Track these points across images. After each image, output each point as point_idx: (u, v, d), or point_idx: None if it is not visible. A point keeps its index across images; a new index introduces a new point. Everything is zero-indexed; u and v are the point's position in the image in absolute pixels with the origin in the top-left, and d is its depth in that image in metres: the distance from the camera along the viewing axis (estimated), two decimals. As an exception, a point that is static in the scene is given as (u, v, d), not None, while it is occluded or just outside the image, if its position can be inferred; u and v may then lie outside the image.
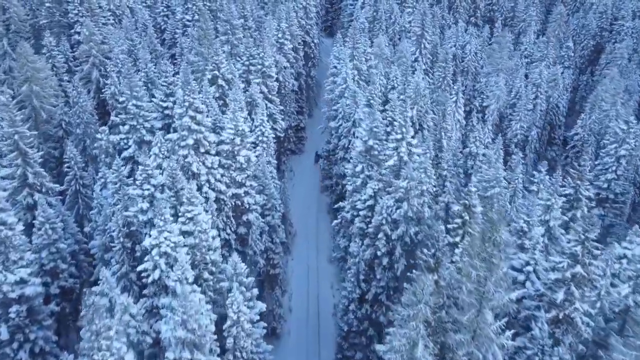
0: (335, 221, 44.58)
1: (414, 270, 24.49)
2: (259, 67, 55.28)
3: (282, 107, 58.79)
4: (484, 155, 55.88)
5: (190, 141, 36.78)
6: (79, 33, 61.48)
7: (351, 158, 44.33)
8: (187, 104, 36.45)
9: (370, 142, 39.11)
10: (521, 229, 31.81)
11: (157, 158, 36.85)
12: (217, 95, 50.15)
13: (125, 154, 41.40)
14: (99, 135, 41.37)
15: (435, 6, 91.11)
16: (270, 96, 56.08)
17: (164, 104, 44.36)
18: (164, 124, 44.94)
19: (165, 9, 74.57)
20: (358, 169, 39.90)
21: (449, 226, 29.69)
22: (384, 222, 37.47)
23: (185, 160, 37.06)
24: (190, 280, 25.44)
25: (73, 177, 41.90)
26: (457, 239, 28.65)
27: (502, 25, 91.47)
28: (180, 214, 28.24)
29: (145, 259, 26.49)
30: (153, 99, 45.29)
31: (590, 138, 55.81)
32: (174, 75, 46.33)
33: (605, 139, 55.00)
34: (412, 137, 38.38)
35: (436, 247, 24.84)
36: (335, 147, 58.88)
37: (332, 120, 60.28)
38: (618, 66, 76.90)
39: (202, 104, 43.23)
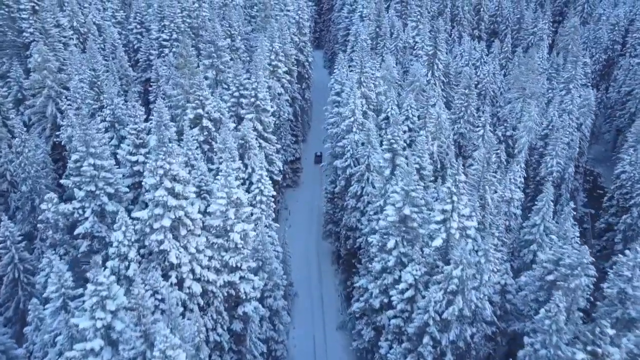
0: (357, 304, 34.22)
1: None
2: (252, 99, 44.60)
3: (278, 146, 48.21)
4: (518, 200, 46.07)
5: (167, 222, 26.05)
6: (34, 56, 50.12)
7: (375, 227, 33.93)
8: (161, 171, 25.73)
9: (407, 211, 28.92)
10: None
11: (122, 246, 26.05)
12: (201, 138, 39.43)
13: (80, 229, 30.37)
14: (44, 206, 30.28)
15: (438, 18, 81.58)
16: (265, 134, 45.48)
17: (133, 158, 33.46)
18: (134, 183, 34.05)
19: (138, 26, 63.26)
20: (390, 244, 29.64)
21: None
22: (430, 321, 27.29)
23: (161, 247, 26.34)
24: None
25: (10, 262, 30.76)
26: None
27: (511, 39, 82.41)
28: (150, 371, 17.69)
29: None
30: (119, 150, 34.37)
31: (641, 177, 46.61)
32: (147, 119, 35.52)
33: (659, 179, 45.86)
34: (465, 205, 28.16)
35: None
36: (342, 190, 48.50)
37: (337, 158, 49.87)
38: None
39: (185, 157, 32.64)
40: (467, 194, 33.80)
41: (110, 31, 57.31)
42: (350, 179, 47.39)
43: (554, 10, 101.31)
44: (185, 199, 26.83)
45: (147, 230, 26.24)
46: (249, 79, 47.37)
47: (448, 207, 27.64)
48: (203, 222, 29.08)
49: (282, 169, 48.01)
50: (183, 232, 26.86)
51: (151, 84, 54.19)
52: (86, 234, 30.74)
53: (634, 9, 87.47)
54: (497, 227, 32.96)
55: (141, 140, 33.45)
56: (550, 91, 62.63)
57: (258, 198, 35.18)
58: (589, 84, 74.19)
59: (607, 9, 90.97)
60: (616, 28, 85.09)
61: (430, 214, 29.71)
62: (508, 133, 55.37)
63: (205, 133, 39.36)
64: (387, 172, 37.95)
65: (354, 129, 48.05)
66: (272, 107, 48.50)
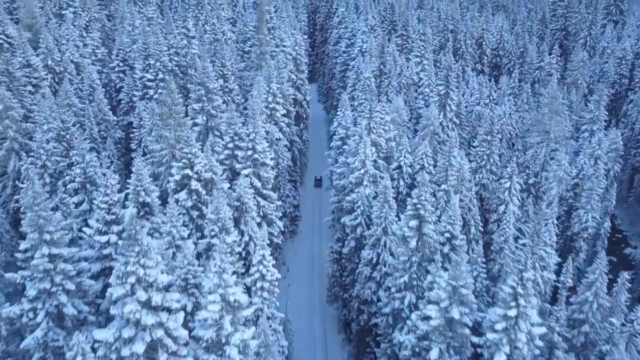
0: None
1: None
2: (249, 152, 37.63)
3: (279, 203, 41.13)
4: (555, 264, 39.16)
5: (141, 347, 18.64)
6: None
7: (410, 323, 26.66)
8: (132, 279, 18.44)
9: (455, 313, 21.89)
10: None
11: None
12: (189, 203, 32.19)
13: (29, 339, 22.81)
14: (-18, 310, 22.71)
15: (440, 52, 76.10)
16: (264, 191, 38.42)
17: (103, 238, 26.12)
18: (104, 269, 26.66)
19: (121, 64, 56.43)
20: (433, 354, 22.46)
21: None
22: None
23: (132, 380, 18.84)
24: None
25: None
26: None
27: (518, 74, 77.10)
28: None
29: None
30: (85, 229, 26.99)
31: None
32: (121, 190, 28.30)
33: None
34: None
35: None
36: (352, 252, 41.42)
37: (345, 213, 42.96)
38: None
39: (168, 235, 25.42)
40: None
41: (88, 70, 50.30)
42: (361, 239, 40.43)
43: (554, 43, 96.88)
44: (166, 311, 19.50)
45: (113, 357, 18.78)
46: (244, 124, 40.54)
47: (512, 312, 20.65)
48: (190, 331, 21.72)
49: (282, 229, 40.80)
50: (163, 356, 19.44)
51: (133, 129, 47.06)
52: (40, 345, 23.17)
53: (639, 42, 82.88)
54: (558, 319, 25.98)
55: (113, 216, 26.18)
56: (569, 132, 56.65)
57: (259, 284, 27.83)
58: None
59: (610, 42, 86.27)
60: (623, 62, 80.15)
61: (484, 315, 22.66)
62: (531, 181, 48.95)
63: (195, 197, 32.15)
64: (413, 243, 31.00)
65: (365, 182, 41.22)
66: (271, 158, 41.44)
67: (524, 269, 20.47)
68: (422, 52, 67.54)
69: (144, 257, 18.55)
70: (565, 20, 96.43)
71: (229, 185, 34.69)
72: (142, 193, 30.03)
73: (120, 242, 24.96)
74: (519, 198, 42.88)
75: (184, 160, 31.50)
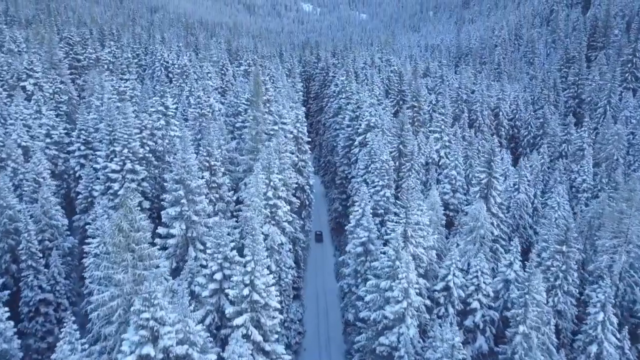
0: None
1: None
2: (246, 291, 24.96)
3: (288, 357, 28.01)
4: None
5: None
6: None
7: None
8: None
9: None
10: None
11: None
12: (149, 400, 19.10)
13: None
14: None
15: (454, 125, 66.14)
16: (267, 347, 25.47)
17: None
18: None
19: (82, 147, 44.44)
20: None
21: None
22: None
23: None
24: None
25: None
26: None
27: (536, 146, 67.41)
28: None
29: None
30: None
31: None
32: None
33: None
34: None
35: None
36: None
37: (378, 358, 30.00)
38: None
39: None
40: None
41: (34, 161, 38.08)
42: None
43: (566, 112, 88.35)
44: None
45: None
46: (238, 244, 28.27)
47: None
48: None
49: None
50: None
51: (87, 239, 34.26)
52: None
53: (666, 111, 74.37)
54: None
55: None
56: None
57: None
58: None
59: (633, 112, 77.71)
60: (653, 133, 70.93)
61: None
62: (601, 293, 36.81)
63: (159, 386, 19.14)
64: None
65: (409, 320, 28.66)
66: (271, 271, 28.62)
67: None
68: (442, 126, 57.26)
69: None
70: (577, 88, 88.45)
71: (214, 357, 21.70)
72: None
73: None
74: (616, 335, 30.61)
75: (142, 332, 18.69)
